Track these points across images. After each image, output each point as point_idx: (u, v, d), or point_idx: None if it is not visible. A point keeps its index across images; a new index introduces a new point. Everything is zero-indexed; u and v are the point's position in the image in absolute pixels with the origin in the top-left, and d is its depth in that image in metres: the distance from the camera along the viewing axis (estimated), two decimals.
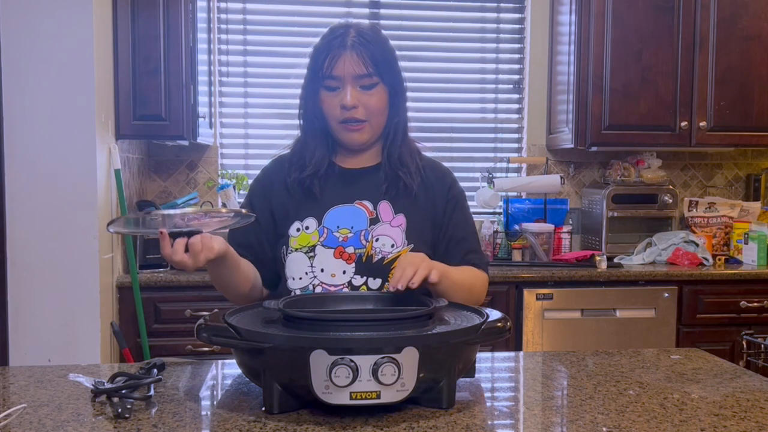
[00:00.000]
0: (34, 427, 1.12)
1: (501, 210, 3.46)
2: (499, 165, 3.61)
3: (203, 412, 1.20)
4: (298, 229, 1.53)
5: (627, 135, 3.28)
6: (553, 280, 2.99)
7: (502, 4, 3.62)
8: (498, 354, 1.64)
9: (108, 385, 1.25)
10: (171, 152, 3.41)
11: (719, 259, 3.23)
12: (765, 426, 1.14)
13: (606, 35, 3.23)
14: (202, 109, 3.06)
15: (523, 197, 3.54)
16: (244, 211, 1.45)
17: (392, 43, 1.57)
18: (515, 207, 3.42)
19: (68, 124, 2.52)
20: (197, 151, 3.42)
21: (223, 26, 3.47)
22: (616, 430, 1.11)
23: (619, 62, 3.24)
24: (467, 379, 1.34)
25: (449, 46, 3.62)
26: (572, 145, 3.31)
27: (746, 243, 3.28)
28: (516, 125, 3.69)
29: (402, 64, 1.59)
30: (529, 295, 2.96)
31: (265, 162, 1.69)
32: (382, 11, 3.55)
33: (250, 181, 1.78)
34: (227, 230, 1.51)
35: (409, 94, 1.61)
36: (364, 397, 1.09)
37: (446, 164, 1.69)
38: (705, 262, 3.21)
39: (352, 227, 1.52)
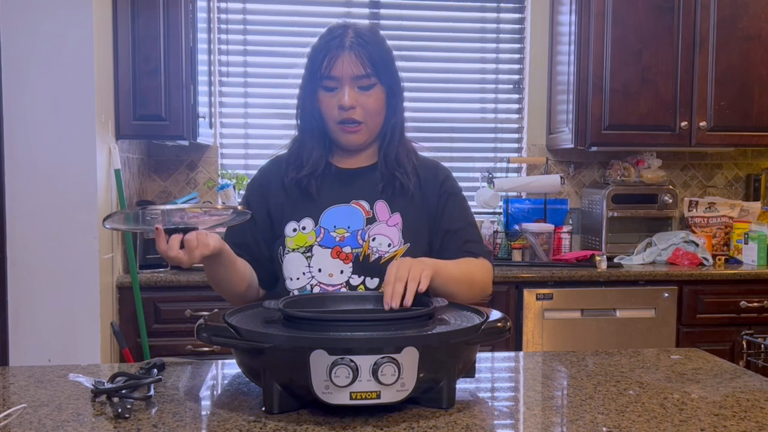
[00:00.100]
0: (34, 427, 1.12)
1: (501, 210, 3.46)
2: (499, 165, 3.61)
3: (203, 412, 1.20)
4: (294, 230, 1.53)
5: (627, 135, 3.28)
6: (553, 280, 2.99)
7: (502, 4, 3.62)
8: (498, 354, 1.64)
9: (108, 385, 1.25)
10: (171, 152, 3.41)
11: (719, 259, 3.23)
12: (765, 426, 1.14)
13: (606, 35, 3.23)
14: (202, 109, 3.06)
15: (523, 197, 3.54)
16: (240, 207, 1.45)
17: (392, 43, 1.57)
18: (515, 207, 3.42)
19: (68, 124, 2.52)
20: (197, 151, 3.42)
21: (223, 26, 3.47)
22: (616, 430, 1.11)
23: (619, 62, 3.24)
24: (467, 379, 1.34)
25: (449, 46, 3.61)
26: (572, 145, 3.31)
27: (746, 243, 3.28)
28: (516, 125, 3.69)
29: (402, 64, 1.59)
30: (529, 295, 2.96)
31: (265, 162, 1.69)
32: (382, 11, 3.55)
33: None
34: (223, 229, 1.52)
35: (409, 94, 1.61)
36: (364, 397, 1.09)
37: (446, 164, 1.68)
38: (705, 262, 3.21)
39: (348, 227, 1.52)
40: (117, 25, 2.81)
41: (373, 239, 1.50)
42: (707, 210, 3.55)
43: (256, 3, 3.49)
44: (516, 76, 3.67)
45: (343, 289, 1.49)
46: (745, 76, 3.29)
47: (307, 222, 1.53)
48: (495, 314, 1.26)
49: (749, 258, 3.25)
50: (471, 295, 1.50)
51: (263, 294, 1.61)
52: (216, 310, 1.34)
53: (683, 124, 3.27)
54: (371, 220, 1.53)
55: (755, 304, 3.07)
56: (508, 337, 1.33)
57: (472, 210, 1.68)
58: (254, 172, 1.68)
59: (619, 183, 3.41)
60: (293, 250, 1.52)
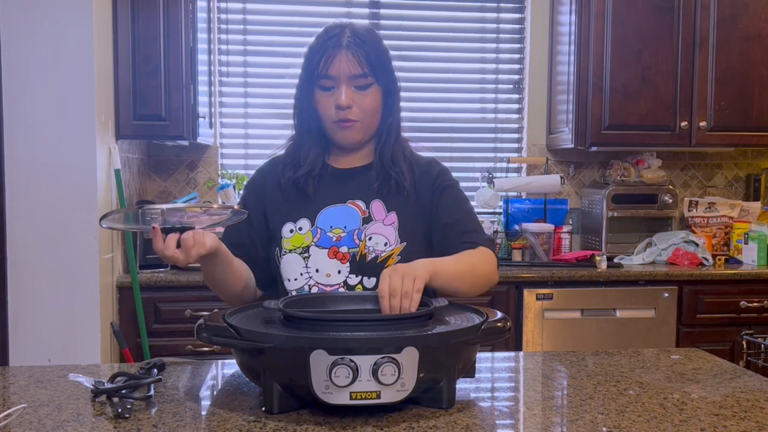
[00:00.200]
0: (34, 427, 1.12)
1: (501, 210, 3.46)
2: (499, 165, 3.61)
3: (203, 412, 1.20)
4: (291, 230, 1.53)
5: (627, 135, 3.28)
6: (553, 280, 2.99)
7: (502, 4, 3.62)
8: (498, 354, 1.64)
9: (108, 385, 1.25)
10: (171, 152, 3.41)
11: (719, 259, 3.23)
12: (765, 426, 1.14)
13: (606, 35, 3.23)
14: (202, 109, 3.06)
15: (523, 197, 3.54)
16: (236, 207, 1.45)
17: (392, 43, 1.58)
18: (515, 207, 3.42)
19: (68, 124, 2.52)
20: (197, 151, 3.42)
21: (223, 26, 3.47)
22: (616, 430, 1.11)
23: (619, 62, 3.24)
24: (467, 379, 1.34)
25: (449, 46, 3.61)
26: (572, 145, 3.31)
27: (746, 243, 3.28)
28: (516, 125, 3.69)
29: (402, 64, 1.59)
30: (529, 295, 2.96)
31: (264, 162, 1.69)
32: (382, 11, 3.55)
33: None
34: (220, 228, 1.52)
35: (409, 94, 1.61)
36: (364, 397, 1.09)
37: (446, 164, 1.68)
38: (705, 262, 3.21)
39: (345, 227, 1.52)
40: (117, 25, 2.81)
41: (370, 239, 1.50)
42: (707, 210, 3.55)
43: (256, 3, 3.49)
44: (516, 76, 3.67)
45: (341, 289, 1.49)
46: (745, 76, 3.29)
47: (304, 223, 1.53)
48: (495, 314, 1.26)
49: (749, 258, 3.25)
50: (476, 288, 1.49)
51: (261, 295, 1.61)
52: (216, 310, 1.34)
53: (683, 124, 3.27)
54: (367, 220, 1.53)
55: (755, 304, 3.07)
56: (508, 337, 1.33)
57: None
58: (254, 172, 1.68)
59: (619, 183, 3.41)
60: (290, 250, 1.52)
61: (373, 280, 1.49)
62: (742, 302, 3.06)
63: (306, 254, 1.51)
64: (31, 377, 1.39)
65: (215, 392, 1.33)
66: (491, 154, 3.68)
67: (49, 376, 1.39)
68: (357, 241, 1.50)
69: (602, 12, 3.22)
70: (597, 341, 2.98)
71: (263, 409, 1.17)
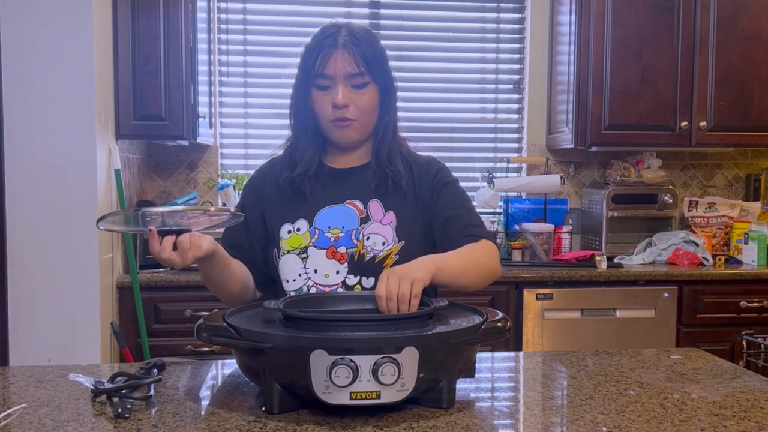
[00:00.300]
0: (34, 427, 1.12)
1: (501, 210, 3.46)
2: (499, 165, 3.61)
3: (203, 412, 1.20)
4: (289, 231, 1.53)
5: (627, 135, 3.28)
6: (553, 280, 2.99)
7: (502, 4, 3.62)
8: (498, 354, 1.64)
9: (108, 385, 1.25)
10: (171, 152, 3.41)
11: (719, 259, 3.23)
12: (765, 426, 1.14)
13: (606, 35, 3.23)
14: (202, 109, 3.06)
15: (523, 197, 3.54)
16: (232, 210, 1.45)
17: (392, 43, 1.58)
18: (515, 207, 3.42)
19: (68, 124, 2.52)
20: (197, 151, 3.42)
21: (223, 26, 3.47)
22: (616, 430, 1.11)
23: (619, 62, 3.24)
24: (467, 379, 1.34)
25: (449, 46, 3.61)
26: (572, 145, 3.31)
27: (746, 243, 3.28)
28: (516, 125, 3.69)
29: (402, 64, 1.59)
30: (529, 295, 2.96)
31: (263, 162, 1.69)
32: (382, 11, 3.54)
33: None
34: (216, 230, 1.51)
35: (409, 94, 1.61)
36: (364, 397, 1.09)
37: (446, 164, 1.68)
38: (705, 262, 3.21)
39: (343, 227, 1.52)
40: (117, 25, 2.81)
41: (368, 238, 1.50)
42: (707, 210, 3.55)
43: (256, 3, 3.49)
44: (516, 76, 3.67)
45: (340, 290, 1.49)
46: (745, 76, 3.29)
47: (302, 223, 1.53)
48: (495, 314, 1.26)
49: (749, 258, 3.25)
50: (481, 281, 1.49)
51: (260, 296, 1.61)
52: (216, 310, 1.34)
53: (683, 124, 3.27)
54: (365, 220, 1.52)
55: (755, 304, 3.07)
56: (508, 337, 1.33)
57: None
58: (253, 172, 1.68)
59: (619, 183, 3.41)
60: (288, 251, 1.52)
61: (372, 280, 1.49)
62: (742, 302, 3.06)
63: (304, 255, 1.51)
64: (31, 377, 1.39)
65: (215, 392, 1.33)
66: (491, 154, 3.68)
67: (49, 376, 1.39)
68: (355, 241, 1.50)
69: (602, 12, 3.22)
70: (597, 341, 2.98)
71: (263, 409, 1.17)
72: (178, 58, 2.86)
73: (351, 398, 1.09)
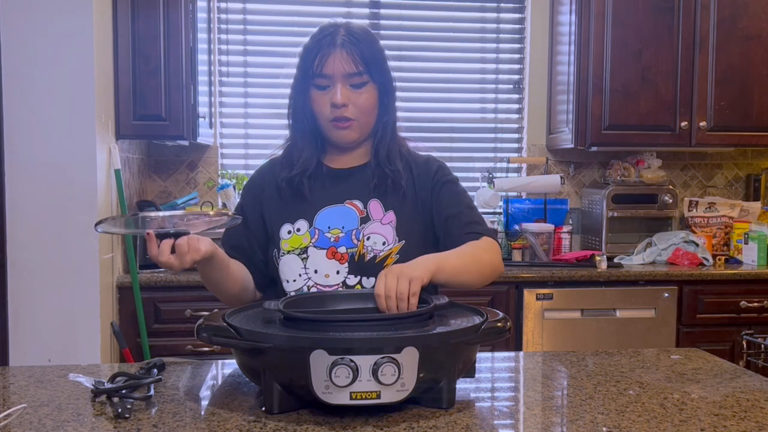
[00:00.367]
0: (34, 427, 1.12)
1: (501, 210, 3.46)
2: (499, 165, 3.61)
3: (203, 412, 1.20)
4: (289, 232, 1.53)
5: (627, 135, 3.28)
6: (553, 280, 2.99)
7: (502, 4, 3.62)
8: (498, 354, 1.64)
9: (108, 385, 1.25)
10: (171, 152, 3.41)
11: (719, 259, 3.23)
12: (765, 426, 1.14)
13: (606, 35, 3.23)
14: (202, 109, 3.06)
15: (523, 197, 3.54)
16: (230, 213, 1.45)
17: (392, 43, 1.58)
18: (515, 207, 3.42)
19: (68, 124, 2.52)
20: (197, 151, 3.42)
21: (223, 26, 3.47)
22: (616, 430, 1.11)
23: (619, 62, 3.24)
24: (467, 379, 1.34)
25: (449, 46, 3.61)
26: (572, 145, 3.31)
27: (746, 243, 3.28)
28: (516, 125, 3.69)
29: (402, 64, 1.59)
30: (529, 295, 2.96)
31: (263, 162, 1.69)
32: (382, 11, 3.54)
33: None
34: (215, 231, 1.51)
35: (409, 94, 1.61)
36: (364, 397, 1.09)
37: (447, 164, 1.68)
38: (705, 262, 3.21)
39: (343, 227, 1.51)
40: (117, 25, 2.81)
41: (368, 238, 1.50)
42: (707, 210, 3.55)
43: (256, 3, 3.49)
44: (516, 76, 3.67)
45: (340, 289, 1.49)
46: (745, 76, 3.29)
47: (302, 224, 1.53)
48: (495, 314, 1.26)
49: (749, 258, 3.25)
50: (483, 278, 1.49)
51: (260, 296, 1.61)
52: (216, 310, 1.34)
53: (683, 124, 3.27)
54: (365, 220, 1.52)
55: (755, 304, 3.07)
56: (508, 337, 1.33)
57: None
58: (253, 172, 1.68)
59: (619, 183, 3.41)
60: (288, 252, 1.51)
61: (372, 280, 1.49)
62: (742, 302, 3.06)
63: (304, 255, 1.51)
64: (31, 377, 1.39)
65: (215, 392, 1.33)
66: (491, 154, 3.68)
67: (49, 376, 1.39)
68: (355, 241, 1.50)
69: (602, 12, 3.22)
70: (597, 341, 2.98)
71: (263, 409, 1.17)
72: (178, 58, 2.86)
73: (351, 398, 1.09)
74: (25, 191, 2.50)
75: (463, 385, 1.31)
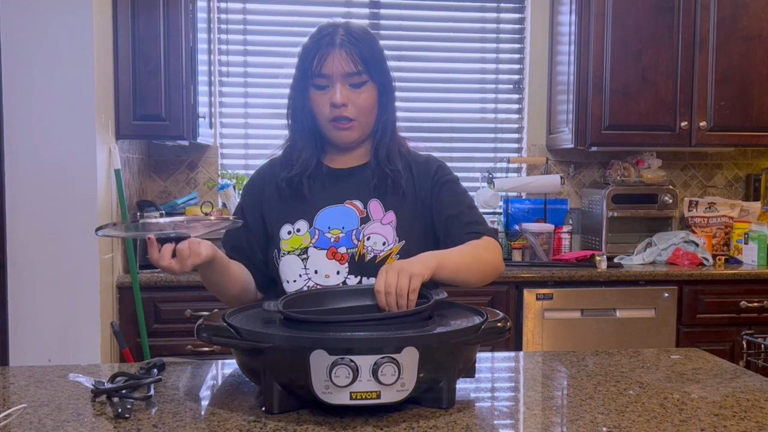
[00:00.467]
0: (34, 427, 1.12)
1: (501, 210, 3.46)
2: (499, 165, 3.61)
3: (203, 412, 1.20)
4: (289, 232, 1.53)
5: (627, 135, 3.28)
6: (553, 280, 2.99)
7: (502, 4, 3.62)
8: (498, 354, 1.64)
9: (108, 385, 1.25)
10: (171, 152, 3.41)
11: (719, 259, 3.23)
12: (765, 426, 1.14)
13: (606, 35, 3.23)
14: (202, 109, 3.06)
15: (523, 197, 3.54)
16: (231, 218, 1.46)
17: (392, 43, 1.58)
18: (515, 207, 3.42)
19: (68, 124, 2.52)
20: (197, 151, 3.42)
21: (223, 26, 3.47)
22: (616, 430, 1.11)
23: (619, 62, 3.24)
24: (467, 379, 1.34)
25: (449, 46, 3.61)
26: (572, 145, 3.31)
27: (746, 243, 3.28)
28: (516, 125, 3.69)
29: (402, 64, 1.59)
30: (529, 295, 2.96)
31: (263, 162, 1.69)
32: (382, 11, 3.54)
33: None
34: (215, 234, 1.51)
35: (409, 94, 1.61)
36: (364, 397, 1.09)
37: (447, 164, 1.67)
38: (705, 262, 3.21)
39: (343, 227, 1.51)
40: (117, 25, 2.81)
41: (368, 238, 1.50)
42: (707, 210, 3.55)
43: (256, 3, 3.49)
44: (516, 76, 3.67)
45: (339, 286, 1.49)
46: (745, 76, 3.29)
47: (302, 224, 1.53)
48: (495, 314, 1.26)
49: (749, 258, 3.25)
50: (484, 277, 1.48)
51: (261, 297, 1.61)
52: (216, 310, 1.34)
53: (683, 124, 3.27)
54: (365, 220, 1.52)
55: (755, 304, 3.07)
56: (508, 337, 1.33)
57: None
58: (253, 173, 1.68)
59: (619, 183, 3.41)
60: (288, 252, 1.51)
61: (373, 280, 1.48)
62: (742, 302, 3.06)
63: (304, 255, 1.50)
64: (31, 377, 1.39)
65: (215, 392, 1.33)
66: (491, 154, 3.68)
67: (49, 376, 1.39)
68: (355, 242, 1.50)
69: (602, 12, 3.22)
70: (597, 341, 2.98)
71: (263, 409, 1.17)
72: (178, 58, 2.86)
73: (351, 398, 1.09)
74: (25, 191, 2.51)
75: (463, 385, 1.31)
